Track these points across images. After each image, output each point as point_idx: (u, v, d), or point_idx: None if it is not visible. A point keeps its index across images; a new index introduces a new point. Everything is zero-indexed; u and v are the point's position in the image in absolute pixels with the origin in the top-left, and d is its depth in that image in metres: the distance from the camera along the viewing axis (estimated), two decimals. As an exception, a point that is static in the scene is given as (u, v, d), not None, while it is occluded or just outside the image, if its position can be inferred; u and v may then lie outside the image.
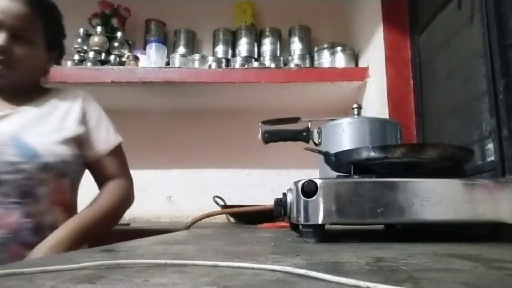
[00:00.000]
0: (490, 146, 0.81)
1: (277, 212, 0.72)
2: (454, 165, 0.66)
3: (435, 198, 0.57)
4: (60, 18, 0.93)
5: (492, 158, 0.80)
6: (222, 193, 1.51)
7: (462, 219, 0.57)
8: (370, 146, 0.66)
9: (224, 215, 1.55)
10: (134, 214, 1.64)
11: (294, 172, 1.61)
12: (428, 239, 0.60)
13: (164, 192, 1.67)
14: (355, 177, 0.63)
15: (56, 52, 0.95)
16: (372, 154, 0.63)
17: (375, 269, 0.31)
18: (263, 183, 1.63)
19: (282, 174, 1.66)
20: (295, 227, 0.88)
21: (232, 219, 1.51)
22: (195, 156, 1.70)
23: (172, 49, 1.69)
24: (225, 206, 1.43)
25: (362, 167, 0.65)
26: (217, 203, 1.45)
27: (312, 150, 0.81)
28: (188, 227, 0.99)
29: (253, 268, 0.29)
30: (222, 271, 0.30)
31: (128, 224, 1.30)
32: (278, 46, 1.69)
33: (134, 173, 1.80)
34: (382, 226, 0.93)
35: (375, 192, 0.58)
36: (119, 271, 0.29)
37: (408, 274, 0.29)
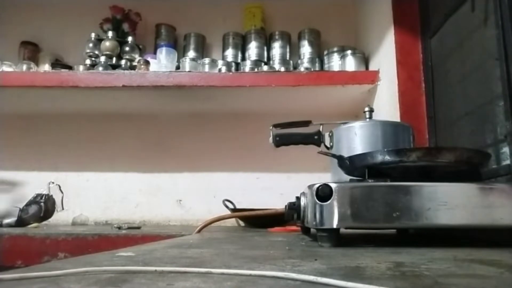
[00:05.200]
0: (506, 149, 0.80)
1: (289, 216, 0.72)
2: (470, 169, 0.65)
3: (452, 202, 0.56)
4: None
5: (508, 161, 0.79)
6: (232, 197, 1.50)
7: (479, 223, 0.56)
8: (385, 149, 0.65)
9: (233, 219, 1.55)
10: (144, 217, 1.65)
11: (303, 176, 1.60)
12: (444, 244, 0.59)
13: (174, 196, 1.68)
14: (369, 181, 0.63)
15: None
16: (387, 157, 0.62)
17: (397, 274, 0.31)
18: (273, 187, 1.63)
19: (292, 178, 1.66)
20: (306, 230, 0.87)
21: (241, 223, 1.51)
22: (205, 159, 1.70)
23: (182, 53, 1.70)
24: (234, 210, 1.43)
25: (376, 171, 0.65)
26: (227, 206, 1.44)
27: (326, 154, 0.81)
28: (199, 230, 0.99)
29: (277, 277, 0.28)
30: (244, 275, 0.29)
31: (139, 227, 1.30)
32: (288, 50, 1.69)
33: (145, 177, 1.80)
34: (394, 230, 0.92)
35: (390, 196, 0.57)
36: (141, 275, 0.29)
37: (433, 280, 0.28)
